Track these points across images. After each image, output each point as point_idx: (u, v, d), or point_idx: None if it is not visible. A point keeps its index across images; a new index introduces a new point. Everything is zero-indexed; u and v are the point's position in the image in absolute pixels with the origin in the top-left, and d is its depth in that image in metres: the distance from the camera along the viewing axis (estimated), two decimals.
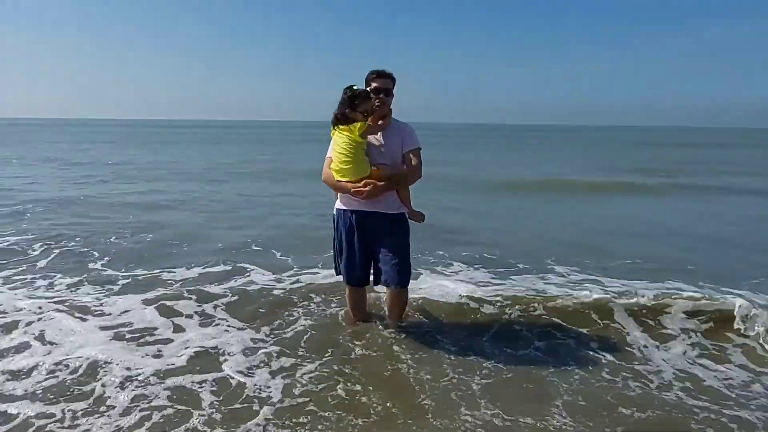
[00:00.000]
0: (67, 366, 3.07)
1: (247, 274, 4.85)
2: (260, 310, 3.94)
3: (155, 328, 3.61)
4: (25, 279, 4.63)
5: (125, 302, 4.03)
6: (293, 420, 2.56)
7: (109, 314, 3.83)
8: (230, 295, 4.19)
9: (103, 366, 3.07)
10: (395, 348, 3.36)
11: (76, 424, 2.51)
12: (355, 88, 3.08)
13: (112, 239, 6.20)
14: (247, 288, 4.38)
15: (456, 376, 3.03)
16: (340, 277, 3.54)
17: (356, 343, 3.42)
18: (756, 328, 3.59)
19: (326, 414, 2.62)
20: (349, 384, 2.93)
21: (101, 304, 3.99)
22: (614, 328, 3.74)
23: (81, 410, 2.62)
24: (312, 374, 3.03)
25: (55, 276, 4.73)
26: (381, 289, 3.79)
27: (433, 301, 4.07)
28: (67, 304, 3.98)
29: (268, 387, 2.88)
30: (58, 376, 2.97)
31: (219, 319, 3.79)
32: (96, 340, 3.40)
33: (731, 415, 2.68)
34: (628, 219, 8.54)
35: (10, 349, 3.27)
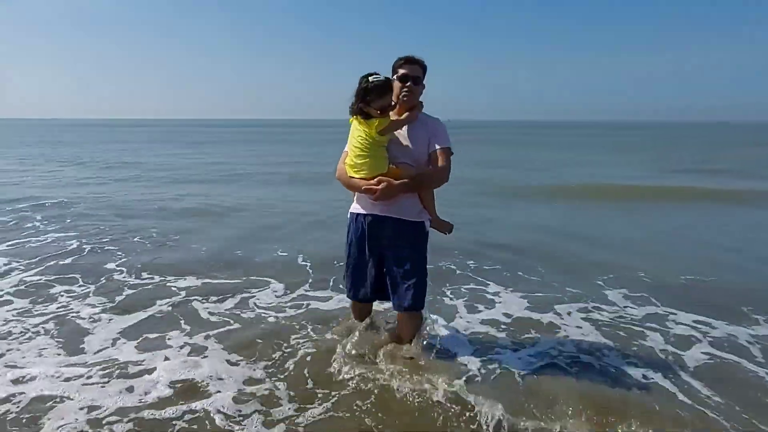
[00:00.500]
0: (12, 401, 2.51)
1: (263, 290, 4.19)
2: (258, 340, 3.32)
3: (137, 361, 3.02)
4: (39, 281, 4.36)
5: (115, 324, 3.53)
6: None
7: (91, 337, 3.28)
8: (232, 322, 3.61)
9: (59, 402, 2.50)
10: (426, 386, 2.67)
11: None
12: (371, 79, 2.60)
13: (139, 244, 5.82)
14: (244, 315, 3.77)
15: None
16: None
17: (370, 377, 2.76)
18: None
19: None
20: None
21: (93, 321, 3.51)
22: None
23: None
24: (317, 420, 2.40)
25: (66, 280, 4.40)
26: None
27: None
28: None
29: None
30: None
31: (211, 349, 3.18)
32: (52, 371, 2.84)
33: None
34: None
35: None
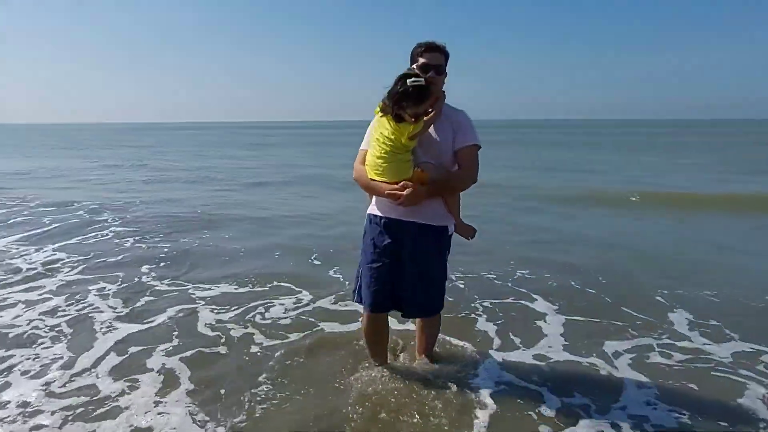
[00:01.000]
0: None
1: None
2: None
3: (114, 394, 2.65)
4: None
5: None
6: None
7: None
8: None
9: None
10: None
11: None
12: (409, 82, 2.32)
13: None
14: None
15: None
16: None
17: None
18: None
19: None
20: None
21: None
22: None
23: None
24: None
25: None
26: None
27: None
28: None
29: None
30: None
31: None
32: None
33: None
34: None
35: None
